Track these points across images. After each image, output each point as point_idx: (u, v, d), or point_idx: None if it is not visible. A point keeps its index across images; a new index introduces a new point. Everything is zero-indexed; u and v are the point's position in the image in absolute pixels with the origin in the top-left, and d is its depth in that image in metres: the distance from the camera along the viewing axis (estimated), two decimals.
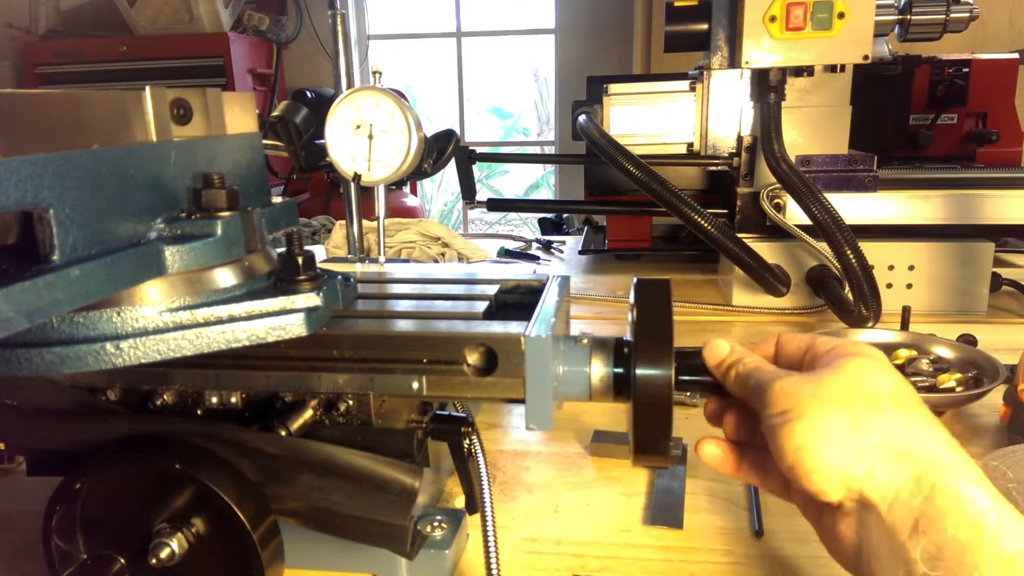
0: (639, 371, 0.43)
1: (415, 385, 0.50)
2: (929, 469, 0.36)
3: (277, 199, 0.56)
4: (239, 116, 0.55)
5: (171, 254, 0.44)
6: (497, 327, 0.50)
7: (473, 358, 0.49)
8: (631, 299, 0.47)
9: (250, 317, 0.47)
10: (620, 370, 0.47)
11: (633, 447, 0.45)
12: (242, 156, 0.55)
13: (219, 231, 0.46)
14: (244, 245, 0.48)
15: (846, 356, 0.40)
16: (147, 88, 0.45)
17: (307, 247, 0.55)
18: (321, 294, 0.49)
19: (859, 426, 0.37)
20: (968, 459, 0.37)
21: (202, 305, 0.46)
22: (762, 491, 0.46)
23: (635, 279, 0.48)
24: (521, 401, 0.49)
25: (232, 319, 0.46)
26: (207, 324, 0.45)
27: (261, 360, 0.51)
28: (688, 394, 0.45)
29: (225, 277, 0.48)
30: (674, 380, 0.44)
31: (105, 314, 0.43)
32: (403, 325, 0.52)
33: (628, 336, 0.48)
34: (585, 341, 0.48)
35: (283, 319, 0.47)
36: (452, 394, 0.51)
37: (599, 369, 0.47)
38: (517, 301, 0.63)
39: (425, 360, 0.50)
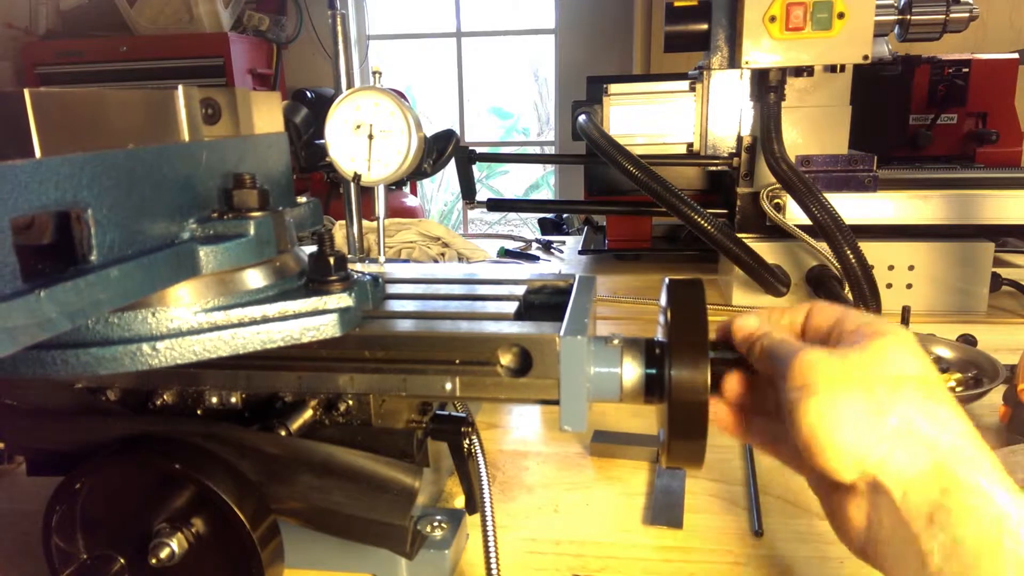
0: (675, 373, 0.43)
1: (448, 386, 0.50)
2: (949, 459, 0.35)
3: (302, 199, 0.56)
4: (266, 116, 0.55)
5: (205, 254, 0.44)
6: (531, 328, 0.49)
7: (507, 359, 0.49)
8: (662, 300, 0.47)
9: (284, 318, 0.47)
10: (652, 371, 0.47)
11: (667, 449, 0.44)
12: (269, 156, 0.55)
13: (251, 231, 0.46)
14: (275, 245, 0.48)
15: (873, 335, 0.39)
16: (179, 87, 0.45)
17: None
18: (353, 295, 0.49)
19: (878, 408, 0.36)
20: (990, 453, 0.35)
21: (236, 306, 0.46)
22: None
23: (666, 279, 0.47)
24: (554, 402, 0.48)
25: (266, 320, 0.46)
26: (241, 325, 0.45)
27: (292, 361, 0.51)
28: None
29: (258, 277, 0.48)
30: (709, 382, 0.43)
31: (140, 315, 0.43)
32: (435, 326, 0.52)
33: (659, 337, 0.47)
34: (616, 342, 0.48)
35: (316, 320, 0.47)
36: (485, 395, 0.50)
37: (631, 370, 0.47)
38: (544, 302, 0.62)
39: (458, 361, 0.49)
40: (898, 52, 1.73)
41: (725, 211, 1.27)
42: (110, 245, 0.38)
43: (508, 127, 5.96)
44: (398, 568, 0.56)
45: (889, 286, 1.16)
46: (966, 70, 1.84)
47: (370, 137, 0.82)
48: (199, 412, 0.55)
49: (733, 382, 0.46)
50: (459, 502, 0.63)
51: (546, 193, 5.74)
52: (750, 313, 0.45)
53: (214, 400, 0.54)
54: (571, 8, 4.23)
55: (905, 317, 0.93)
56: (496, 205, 1.67)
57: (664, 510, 0.64)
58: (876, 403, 0.36)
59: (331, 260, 0.50)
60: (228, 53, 3.56)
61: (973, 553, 0.32)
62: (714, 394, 0.46)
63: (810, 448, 0.37)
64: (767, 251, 1.15)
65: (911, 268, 1.16)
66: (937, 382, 0.37)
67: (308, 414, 0.53)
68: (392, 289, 0.60)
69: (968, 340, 0.90)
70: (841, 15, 1.02)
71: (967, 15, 1.13)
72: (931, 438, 0.35)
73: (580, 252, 1.63)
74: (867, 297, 1.00)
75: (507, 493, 0.69)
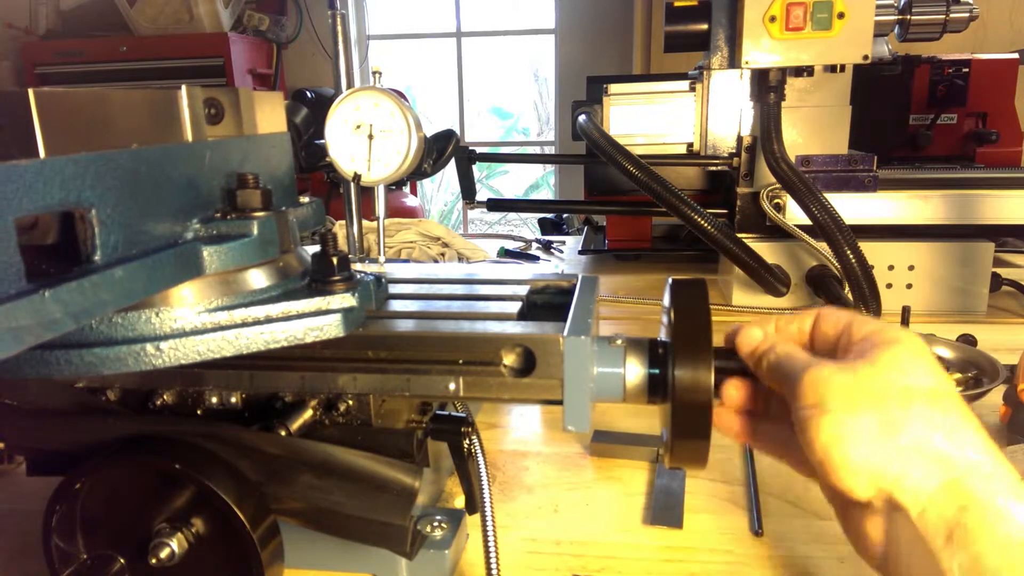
0: (679, 373, 0.43)
1: (451, 386, 0.50)
2: (965, 476, 0.34)
3: (304, 199, 0.56)
4: (268, 115, 0.55)
5: (209, 254, 0.44)
6: (534, 328, 0.49)
7: (510, 359, 0.49)
8: (665, 300, 0.47)
9: (287, 318, 0.47)
10: (656, 371, 0.46)
11: (670, 450, 0.44)
12: (272, 156, 0.55)
13: (255, 231, 0.46)
14: (279, 245, 0.48)
15: (882, 344, 0.38)
16: (183, 87, 0.45)
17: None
18: (356, 295, 0.49)
19: (891, 425, 0.35)
20: (1008, 467, 0.35)
21: (239, 306, 0.46)
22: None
23: (670, 279, 0.47)
24: (558, 402, 0.48)
25: (269, 320, 0.46)
26: (245, 325, 0.45)
27: (295, 361, 0.51)
28: None
29: (261, 278, 0.48)
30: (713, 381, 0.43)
31: (144, 315, 0.43)
32: (438, 326, 0.51)
33: (662, 337, 0.47)
34: (619, 342, 0.48)
35: (320, 320, 0.47)
36: (488, 395, 0.50)
37: (634, 370, 0.47)
38: (546, 302, 0.62)
39: (461, 361, 0.49)
40: (898, 52, 1.73)
41: (725, 211, 1.27)
42: (114, 245, 0.38)
43: (508, 127, 5.96)
44: (398, 568, 0.56)
45: (889, 286, 1.16)
46: (966, 70, 1.84)
47: (370, 137, 0.82)
48: (199, 412, 0.55)
49: (737, 390, 0.45)
50: (459, 502, 0.63)
51: (546, 193, 5.73)
52: (754, 323, 0.45)
53: (214, 400, 0.54)
54: (571, 8, 4.23)
55: (905, 317, 0.93)
56: (496, 205, 1.67)
57: (664, 510, 0.64)
58: (889, 420, 0.36)
59: (334, 260, 0.50)
60: (228, 53, 3.56)
61: (994, 571, 0.32)
62: (718, 401, 0.45)
63: (824, 467, 0.37)
64: (767, 251, 1.15)
65: (911, 268, 1.16)
66: (950, 394, 0.37)
67: (308, 414, 0.53)
68: (394, 289, 0.60)
69: (968, 340, 0.90)
70: (841, 15, 1.02)
71: (967, 15, 1.13)
72: (946, 455, 0.35)
73: (580, 252, 1.63)
74: (867, 297, 1.00)
75: (507, 493, 0.69)
